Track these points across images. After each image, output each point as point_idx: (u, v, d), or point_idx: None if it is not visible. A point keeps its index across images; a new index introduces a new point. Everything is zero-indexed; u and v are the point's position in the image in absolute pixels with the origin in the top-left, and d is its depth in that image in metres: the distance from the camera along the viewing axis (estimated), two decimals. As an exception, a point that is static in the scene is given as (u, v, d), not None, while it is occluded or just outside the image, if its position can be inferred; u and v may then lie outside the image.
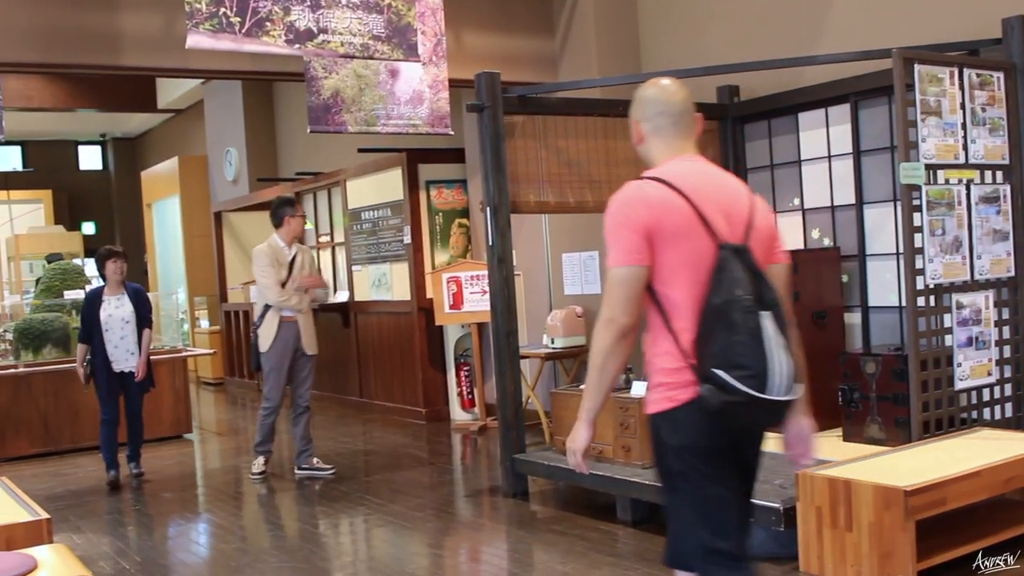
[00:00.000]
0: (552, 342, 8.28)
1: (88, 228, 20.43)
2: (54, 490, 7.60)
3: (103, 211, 21.05)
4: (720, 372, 2.77)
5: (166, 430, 9.61)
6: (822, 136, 6.93)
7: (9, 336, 9.49)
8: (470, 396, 9.51)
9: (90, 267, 14.14)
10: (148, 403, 9.47)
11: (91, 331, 7.55)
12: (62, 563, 3.82)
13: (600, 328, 2.98)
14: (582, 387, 6.30)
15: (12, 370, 8.99)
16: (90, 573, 3.71)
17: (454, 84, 7.36)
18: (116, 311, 7.59)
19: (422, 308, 9.66)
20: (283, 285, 7.32)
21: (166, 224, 16.31)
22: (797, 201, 7.13)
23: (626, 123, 7.13)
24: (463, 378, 9.53)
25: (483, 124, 6.40)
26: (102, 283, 7.79)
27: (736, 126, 7.45)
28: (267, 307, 7.42)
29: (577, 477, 5.97)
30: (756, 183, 7.40)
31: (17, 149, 20.17)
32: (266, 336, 7.37)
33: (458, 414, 9.59)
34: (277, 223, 7.51)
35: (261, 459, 7.58)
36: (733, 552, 2.92)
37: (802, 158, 7.09)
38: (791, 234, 7.14)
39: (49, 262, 13.13)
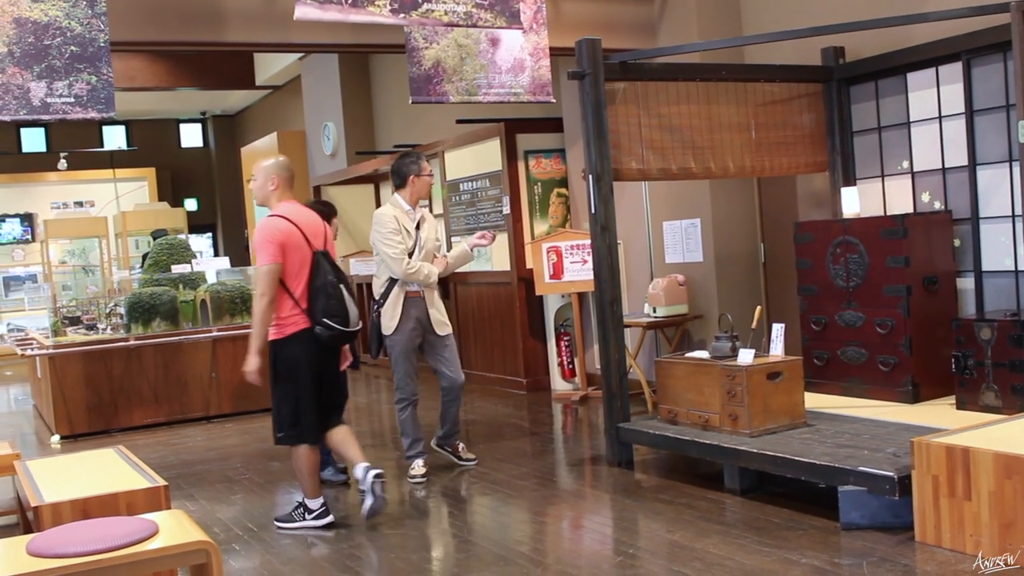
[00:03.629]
0: (654, 311, 8.22)
1: (190, 204, 20.84)
2: (166, 459, 7.78)
3: (204, 187, 21.46)
4: (326, 319, 5.32)
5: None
6: (932, 96, 6.73)
7: (120, 310, 9.73)
8: (570, 366, 9.50)
9: (195, 242, 14.45)
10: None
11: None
12: (181, 528, 3.91)
13: (257, 299, 5.35)
14: (687, 355, 6.27)
15: (123, 343, 9.22)
16: (209, 537, 3.79)
17: (553, 52, 7.31)
18: None
19: (522, 278, 9.67)
20: (410, 254, 6.39)
21: (266, 199, 16.54)
22: (906, 164, 6.95)
23: (729, 87, 7.06)
24: (563, 348, 9.53)
25: (584, 91, 6.35)
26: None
27: (841, 88, 7.28)
28: (392, 281, 6.46)
29: (685, 447, 5.94)
30: (863, 146, 7.24)
31: (121, 129, 20.64)
32: (390, 316, 6.42)
33: (559, 384, 9.60)
34: (400, 183, 6.51)
35: (419, 461, 6.60)
36: (312, 425, 5.44)
37: (911, 120, 6.90)
38: (900, 198, 6.98)
39: (155, 238, 13.43)
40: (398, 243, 6.33)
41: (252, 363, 5.31)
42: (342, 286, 5.38)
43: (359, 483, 5.46)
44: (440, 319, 6.55)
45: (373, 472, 5.41)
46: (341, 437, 5.63)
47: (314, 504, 5.64)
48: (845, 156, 7.28)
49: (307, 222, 5.42)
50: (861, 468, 4.84)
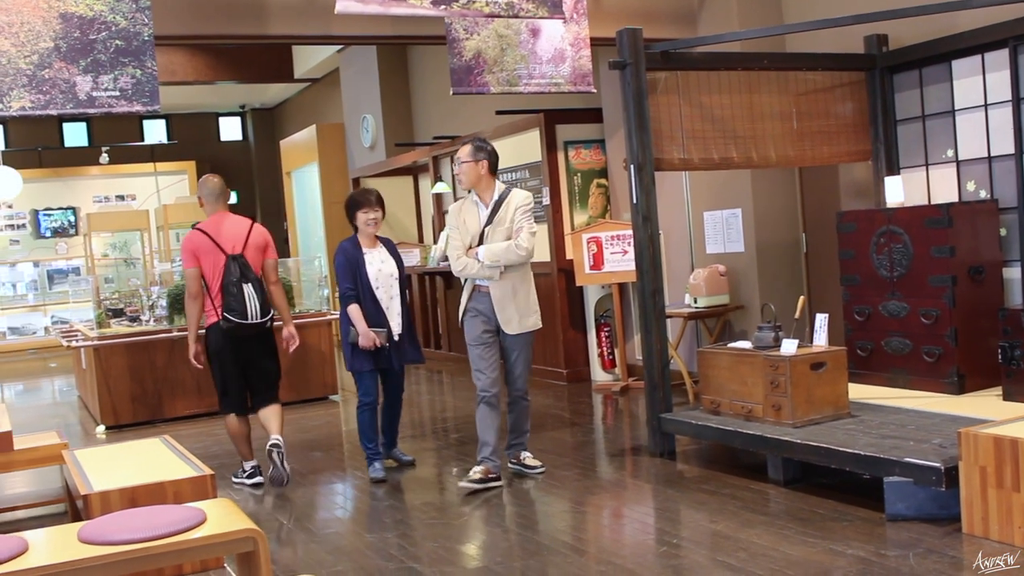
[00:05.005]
0: (695, 301, 8.19)
1: (230, 197, 20.98)
2: (210, 449, 7.85)
3: (244, 180, 21.58)
4: (226, 313, 6.26)
5: (313, 392, 9.86)
6: (978, 84, 6.65)
7: (162, 302, 9.81)
8: (611, 357, 9.49)
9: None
10: (296, 366, 9.75)
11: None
12: (228, 516, 3.95)
13: (186, 296, 6.51)
14: (730, 345, 6.25)
15: (166, 334, 9.30)
16: (256, 525, 3.83)
17: (593, 42, 7.29)
18: (383, 265, 6.56)
19: (562, 269, 9.66)
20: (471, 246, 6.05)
21: (305, 191, 16.64)
22: (951, 153, 6.88)
23: (771, 76, 7.02)
24: (604, 339, 9.51)
25: (626, 81, 6.33)
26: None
27: (884, 77, 7.21)
28: None
29: (728, 437, 5.92)
30: (906, 135, 7.17)
31: (162, 123, 20.81)
32: (462, 306, 6.20)
33: (599, 375, 9.59)
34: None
35: (479, 467, 6.07)
36: (235, 398, 6.50)
37: (956, 108, 6.82)
38: (944, 187, 6.91)
39: (196, 230, 13.52)
40: (455, 239, 6.09)
41: (190, 349, 6.54)
42: (248, 285, 6.26)
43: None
44: (510, 317, 6.01)
45: (269, 443, 6.38)
46: (266, 414, 6.55)
47: (247, 465, 6.65)
48: (888, 145, 7.22)
49: (224, 232, 6.38)
50: (907, 459, 4.81)
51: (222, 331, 6.34)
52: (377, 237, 6.62)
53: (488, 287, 6.02)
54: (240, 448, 6.64)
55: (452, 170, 11.99)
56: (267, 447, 6.38)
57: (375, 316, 6.39)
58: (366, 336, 6.32)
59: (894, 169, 7.19)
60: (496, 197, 6.05)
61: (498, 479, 6.04)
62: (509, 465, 6.33)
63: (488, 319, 6.04)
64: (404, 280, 6.63)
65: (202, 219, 6.67)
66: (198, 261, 6.34)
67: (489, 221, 6.01)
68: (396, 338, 6.48)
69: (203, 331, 6.54)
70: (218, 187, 6.58)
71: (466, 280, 6.16)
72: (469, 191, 6.15)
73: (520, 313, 6.04)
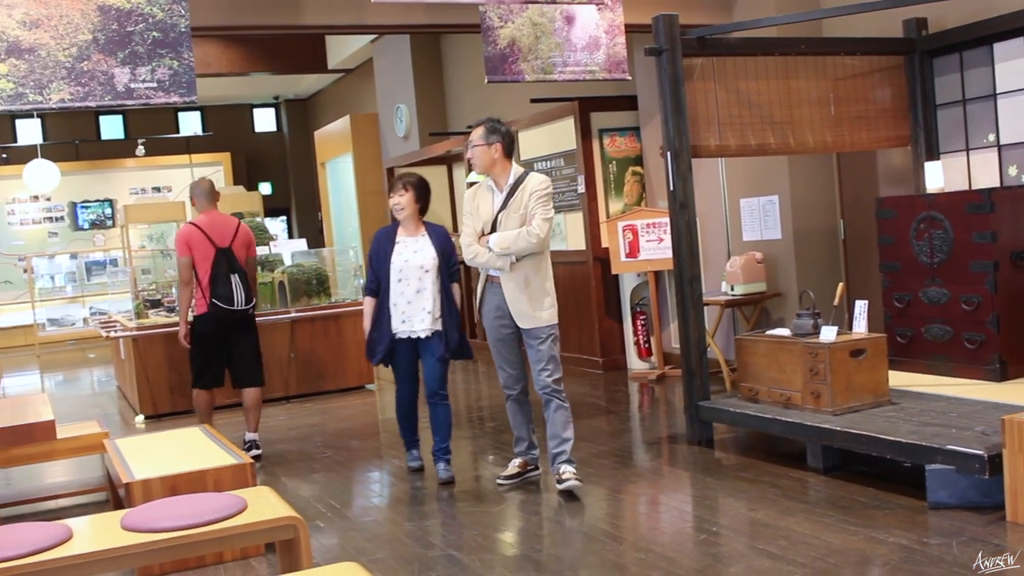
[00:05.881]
0: (731, 289, 8.15)
1: (265, 188, 21.07)
2: (246, 438, 7.88)
3: (279, 171, 21.67)
4: (215, 300, 6.88)
5: (350, 381, 9.90)
6: (1020, 67, 6.56)
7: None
8: (647, 345, 9.46)
9: (270, 225, 14.64)
10: (332, 355, 9.79)
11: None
12: (269, 504, 3.97)
13: (180, 283, 7.09)
14: (769, 332, 6.21)
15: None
16: (296, 513, 3.84)
17: (628, 29, 7.26)
18: (414, 256, 6.10)
19: (597, 257, 9.64)
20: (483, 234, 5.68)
21: (339, 182, 16.69)
22: (992, 137, 6.79)
23: (808, 61, 6.95)
24: (640, 327, 9.49)
25: (662, 68, 6.30)
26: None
27: (924, 61, 7.13)
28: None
29: (766, 425, 5.89)
30: (946, 120, 7.09)
31: (197, 115, 20.92)
32: (477, 298, 5.88)
33: (635, 363, 9.56)
34: None
35: (516, 460, 5.98)
36: (209, 378, 7.17)
37: (997, 91, 6.74)
38: (985, 172, 6.82)
39: (232, 222, 13.60)
40: (467, 226, 5.73)
41: (180, 330, 7.19)
42: (235, 275, 6.96)
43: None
44: (522, 310, 5.62)
45: (245, 442, 7.20)
46: (248, 400, 7.29)
47: None
48: (928, 130, 7.14)
49: (215, 227, 7.04)
50: (949, 446, 4.76)
51: (211, 317, 6.99)
52: (426, 224, 6.18)
53: (499, 278, 5.65)
54: (205, 419, 7.25)
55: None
56: (243, 446, 7.06)
57: (387, 313, 6.03)
58: (367, 334, 6.18)
59: (934, 154, 7.11)
60: (512, 181, 5.64)
61: (536, 469, 6.01)
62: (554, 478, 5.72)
63: (503, 312, 5.67)
64: (449, 272, 6.08)
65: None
66: (191, 251, 6.96)
67: (503, 207, 5.61)
68: (424, 335, 6.02)
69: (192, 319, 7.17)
70: (208, 188, 7.25)
71: (482, 270, 5.82)
72: (488, 174, 5.73)
73: (533, 306, 5.63)
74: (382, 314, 6.06)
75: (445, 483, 6.04)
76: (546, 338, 5.70)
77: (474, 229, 5.68)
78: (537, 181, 5.62)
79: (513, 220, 5.58)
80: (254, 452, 7.18)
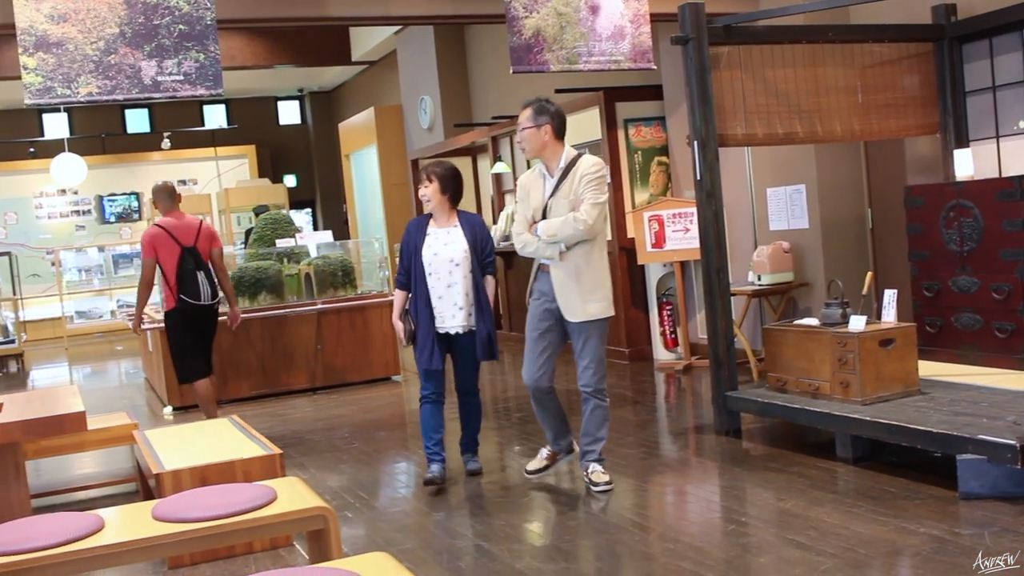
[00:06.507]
0: (758, 279, 8.11)
1: (290, 181, 21.14)
2: (274, 429, 7.93)
3: (303, 163, 21.73)
4: (183, 296, 7.29)
5: (376, 372, 9.92)
6: (1051, 53, 6.51)
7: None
8: (673, 335, 9.43)
9: (295, 217, 14.70)
10: (358, 347, 9.81)
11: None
12: (299, 494, 3.98)
13: (140, 282, 7.50)
14: (797, 322, 6.18)
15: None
16: (326, 504, 3.85)
17: (653, 18, 7.23)
18: (444, 249, 5.80)
19: (623, 248, 9.61)
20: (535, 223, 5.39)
21: (364, 174, 16.72)
22: (1023, 124, 6.73)
23: (835, 49, 6.90)
24: (666, 317, 9.46)
25: (688, 56, 6.27)
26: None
27: (953, 47, 7.06)
28: None
29: (795, 415, 5.86)
30: (976, 107, 7.03)
31: (221, 108, 20.99)
32: (529, 287, 5.58)
33: (661, 353, 9.54)
34: None
35: (544, 451, 5.82)
36: (191, 369, 7.49)
37: (1028, 78, 6.68)
38: (1016, 159, 6.76)
39: (257, 214, 13.67)
40: (519, 214, 5.47)
41: (135, 322, 7.88)
42: (200, 272, 7.36)
43: None
44: (571, 302, 5.31)
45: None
46: (205, 390, 7.57)
47: None
48: (957, 117, 7.07)
49: (179, 228, 7.43)
50: (980, 436, 4.72)
51: (180, 312, 7.41)
52: (460, 213, 5.88)
53: (549, 267, 5.37)
54: (209, 411, 7.52)
55: (511, 150, 12.00)
56: None
57: (419, 307, 5.75)
58: (396, 327, 5.91)
59: (963, 142, 7.05)
60: (563, 165, 5.31)
61: (571, 452, 5.81)
62: (582, 475, 5.61)
63: (551, 303, 5.37)
64: (483, 264, 5.78)
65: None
66: (156, 253, 7.36)
67: (554, 192, 5.31)
68: (457, 331, 5.75)
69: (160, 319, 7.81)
70: (171, 191, 7.67)
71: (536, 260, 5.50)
72: (535, 160, 5.51)
73: (584, 298, 5.29)
74: (422, 310, 5.72)
75: (473, 474, 6.00)
76: (595, 334, 5.36)
77: (525, 217, 5.42)
78: (589, 164, 5.29)
79: (563, 206, 5.28)
80: None
